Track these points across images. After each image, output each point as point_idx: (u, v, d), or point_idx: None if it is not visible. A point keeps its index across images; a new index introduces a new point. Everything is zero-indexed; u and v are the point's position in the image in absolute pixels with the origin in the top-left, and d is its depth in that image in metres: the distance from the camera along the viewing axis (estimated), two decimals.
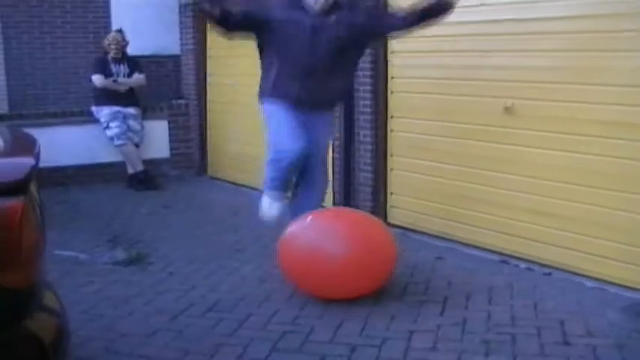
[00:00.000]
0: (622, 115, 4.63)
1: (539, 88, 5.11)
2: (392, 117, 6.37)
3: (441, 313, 4.35)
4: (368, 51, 6.14)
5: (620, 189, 4.68)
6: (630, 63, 4.59)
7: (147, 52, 8.91)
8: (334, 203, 6.91)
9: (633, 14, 4.56)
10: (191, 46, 9.12)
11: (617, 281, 4.69)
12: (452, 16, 4.95)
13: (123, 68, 8.35)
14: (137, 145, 8.48)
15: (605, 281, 4.75)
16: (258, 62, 5.28)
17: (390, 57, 6.32)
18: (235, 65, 8.38)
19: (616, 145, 4.67)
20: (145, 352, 3.81)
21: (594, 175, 4.82)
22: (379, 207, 6.55)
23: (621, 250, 4.67)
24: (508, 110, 5.28)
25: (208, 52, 9.08)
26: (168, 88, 9.29)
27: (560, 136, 5.00)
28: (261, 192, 5.33)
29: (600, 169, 4.78)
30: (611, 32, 4.70)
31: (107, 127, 8.25)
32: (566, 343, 3.86)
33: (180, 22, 9.24)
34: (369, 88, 6.43)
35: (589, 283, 4.79)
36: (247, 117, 8.31)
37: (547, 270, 5.04)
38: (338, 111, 6.56)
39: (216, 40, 8.45)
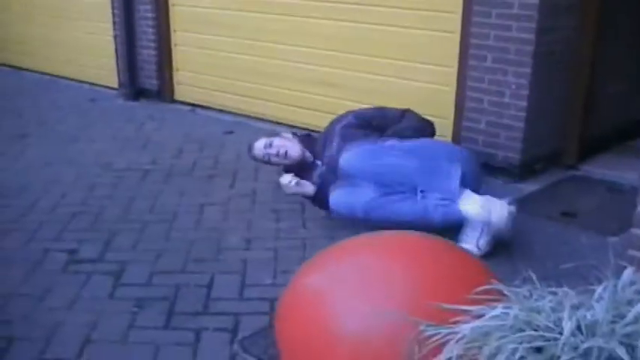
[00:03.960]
0: None
1: None
2: None
3: (231, 186, 4.45)
4: None
5: (396, 57, 4.92)
6: None
7: None
8: (119, 84, 6.75)
9: None
10: None
11: None
12: None
13: None
14: None
15: None
16: None
17: None
18: None
19: (386, 12, 4.88)
20: None
21: (371, 43, 5.02)
22: (165, 84, 6.47)
23: None
24: None
25: None
26: None
27: (336, 5, 5.15)
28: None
29: (379, 38, 4.98)
30: None
31: None
32: None
33: None
34: None
35: None
36: None
37: None
38: None
39: None
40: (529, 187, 4.38)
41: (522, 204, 4.10)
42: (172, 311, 2.95)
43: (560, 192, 4.33)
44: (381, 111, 4.22)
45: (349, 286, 2.25)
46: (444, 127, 4.67)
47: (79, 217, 3.94)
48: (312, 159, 4.18)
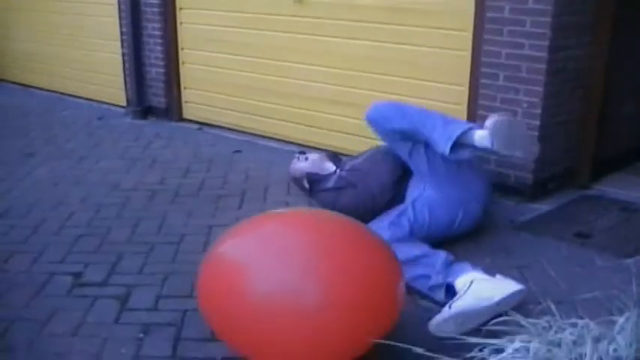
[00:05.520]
0: (400, 2, 4.79)
1: None
2: (180, 9, 6.19)
3: (240, 207, 4.40)
4: None
5: (407, 75, 4.86)
6: None
7: None
8: (127, 102, 6.73)
9: None
10: None
11: None
12: None
13: None
14: None
15: None
16: None
17: None
18: None
19: (397, 30, 4.83)
20: None
21: (382, 62, 4.97)
22: (173, 102, 6.44)
23: None
24: None
25: None
26: None
27: (346, 23, 5.09)
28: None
29: (388, 55, 4.93)
30: None
31: None
32: None
33: None
34: None
35: None
36: (36, 13, 7.78)
37: None
38: (123, 3, 6.35)
39: None
40: (542, 207, 4.30)
41: (535, 224, 4.04)
42: (179, 337, 2.88)
43: (573, 212, 4.25)
44: None
45: (257, 255, 2.56)
46: None
47: (85, 239, 3.89)
48: (329, 170, 4.31)
